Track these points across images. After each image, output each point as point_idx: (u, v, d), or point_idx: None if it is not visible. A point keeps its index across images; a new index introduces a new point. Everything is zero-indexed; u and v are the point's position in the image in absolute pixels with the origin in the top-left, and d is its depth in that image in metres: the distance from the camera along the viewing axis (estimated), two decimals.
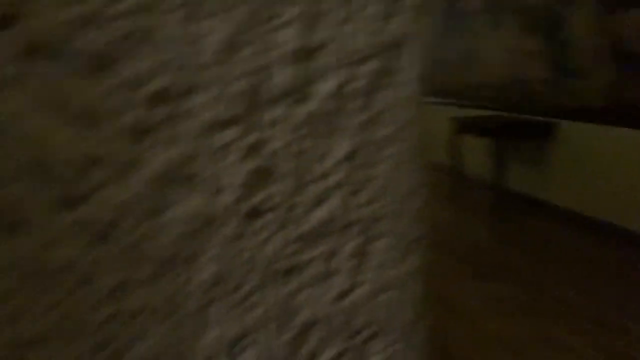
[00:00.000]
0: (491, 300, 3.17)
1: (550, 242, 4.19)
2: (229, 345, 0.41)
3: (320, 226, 0.42)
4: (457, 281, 3.50)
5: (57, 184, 0.35)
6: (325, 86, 0.41)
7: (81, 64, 0.35)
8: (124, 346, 0.38)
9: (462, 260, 3.89)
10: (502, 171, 4.76)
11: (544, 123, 4.84)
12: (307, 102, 0.40)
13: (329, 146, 0.41)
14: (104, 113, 0.36)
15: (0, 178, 0.34)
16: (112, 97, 0.36)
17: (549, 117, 4.83)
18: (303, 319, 0.43)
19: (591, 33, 4.30)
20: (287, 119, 0.40)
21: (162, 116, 0.37)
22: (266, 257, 0.41)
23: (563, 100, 4.67)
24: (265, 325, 0.42)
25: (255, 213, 0.40)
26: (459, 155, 5.47)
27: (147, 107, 0.36)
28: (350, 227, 0.43)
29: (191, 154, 0.38)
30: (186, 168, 0.38)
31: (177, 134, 0.37)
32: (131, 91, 0.36)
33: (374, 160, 0.43)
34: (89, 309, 0.37)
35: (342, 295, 0.44)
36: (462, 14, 6.15)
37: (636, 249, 3.93)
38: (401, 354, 0.47)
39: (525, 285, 3.35)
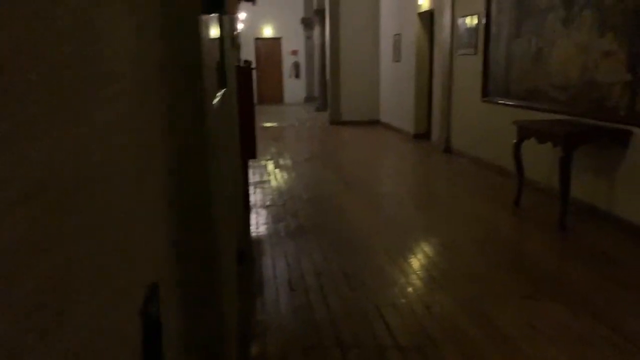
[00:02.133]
0: (541, 325, 2.97)
1: (617, 260, 3.89)
2: None
3: None
4: (507, 300, 3.32)
5: None
6: None
7: None
8: None
9: (516, 275, 3.69)
10: (568, 180, 4.46)
11: (617, 130, 4.48)
12: None
13: None
14: None
15: None
16: None
17: (624, 124, 4.46)
18: None
19: None
20: None
21: None
22: None
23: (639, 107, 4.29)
24: None
25: None
26: (522, 161, 5.18)
27: None
28: None
29: None
30: None
31: None
32: None
33: None
34: None
35: None
36: (536, 11, 5.80)
37: None
38: None
39: (582, 310, 3.12)
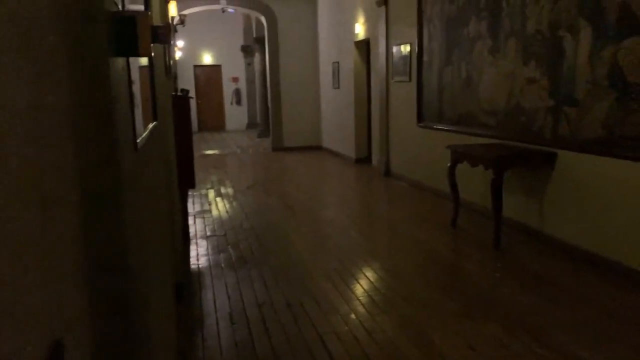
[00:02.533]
0: (479, 345, 3.04)
1: (549, 278, 4.05)
2: None
3: None
4: (446, 321, 3.38)
5: None
6: None
7: None
8: None
9: (454, 296, 3.77)
10: (500, 201, 4.64)
11: (543, 152, 4.72)
12: None
13: None
14: None
15: None
16: None
17: (549, 146, 4.71)
18: None
19: (591, 62, 4.20)
20: None
21: None
22: None
23: (563, 130, 4.55)
24: None
25: None
26: (457, 184, 5.36)
27: None
28: None
29: None
30: None
31: None
32: None
33: None
34: None
35: None
36: (465, 40, 6.09)
37: (637, 288, 3.76)
38: None
39: (518, 329, 3.22)
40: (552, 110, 4.67)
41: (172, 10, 6.67)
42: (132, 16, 0.87)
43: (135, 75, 2.08)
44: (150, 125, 2.16)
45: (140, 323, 1.07)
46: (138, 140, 1.44)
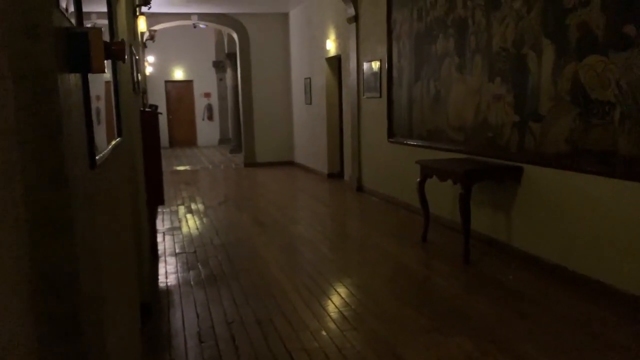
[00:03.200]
0: (447, 359, 3.05)
1: (516, 291, 4.10)
2: None
3: None
4: (416, 336, 3.38)
5: None
6: None
7: None
8: None
9: (424, 311, 3.78)
10: (469, 215, 4.69)
11: (510, 167, 4.81)
12: None
13: None
14: None
15: None
16: None
17: (515, 161, 4.81)
18: None
19: (554, 78, 4.31)
20: None
21: None
22: None
23: (528, 145, 4.65)
24: None
25: None
26: (427, 199, 5.41)
27: None
28: None
29: None
30: None
31: None
32: None
33: None
34: None
35: None
36: (433, 57, 6.20)
37: (604, 301, 3.84)
38: None
39: (487, 342, 3.24)
40: (518, 125, 4.78)
41: (142, 25, 6.62)
42: (84, 32, 0.86)
43: (99, 90, 2.05)
44: (114, 142, 2.13)
45: (95, 346, 1.04)
46: (98, 157, 1.41)
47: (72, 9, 1.07)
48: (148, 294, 4.09)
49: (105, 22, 2.30)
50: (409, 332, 3.45)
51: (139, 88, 5.03)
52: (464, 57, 5.58)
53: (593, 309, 3.69)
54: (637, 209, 3.63)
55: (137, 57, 4.81)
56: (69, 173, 0.77)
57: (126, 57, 3.63)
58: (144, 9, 6.57)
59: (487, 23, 5.15)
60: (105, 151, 1.65)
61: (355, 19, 8.32)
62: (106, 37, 2.28)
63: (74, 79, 0.91)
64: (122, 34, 3.57)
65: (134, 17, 5.10)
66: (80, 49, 0.84)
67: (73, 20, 0.97)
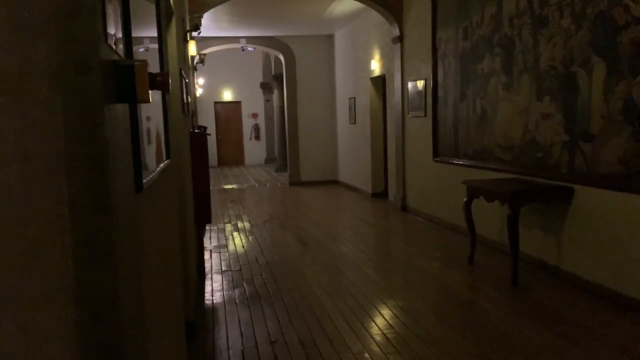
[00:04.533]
0: None
1: (566, 316, 3.94)
2: None
3: None
4: (458, 359, 3.30)
5: None
6: None
7: None
8: None
9: (470, 336, 3.68)
10: (517, 237, 4.57)
11: (560, 187, 4.66)
12: None
13: None
14: None
15: None
16: None
17: (565, 181, 4.66)
18: None
19: (605, 97, 4.18)
20: None
21: None
22: None
23: (579, 165, 4.50)
24: None
25: None
26: (473, 220, 5.31)
27: None
28: None
29: None
30: None
31: None
32: None
33: None
34: None
35: None
36: (479, 75, 6.13)
37: None
38: None
39: None
40: (568, 145, 4.64)
41: (192, 49, 6.86)
42: (131, 65, 0.91)
43: (152, 114, 2.14)
44: (162, 164, 2.21)
45: None
46: (145, 180, 1.48)
47: (121, 41, 1.14)
48: (194, 312, 4.17)
49: (154, 46, 2.41)
50: (453, 357, 3.37)
51: (189, 110, 5.20)
52: (511, 76, 5.49)
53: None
54: None
55: (187, 81, 4.99)
56: (114, 200, 0.81)
57: (177, 80, 3.78)
58: (194, 33, 6.82)
59: (535, 41, 5.06)
60: (153, 174, 1.72)
61: (400, 39, 8.34)
62: (156, 62, 2.39)
63: (120, 108, 0.97)
64: (172, 58, 3.72)
65: (184, 42, 5.30)
66: (126, 80, 0.89)
67: (121, 52, 1.03)
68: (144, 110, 1.90)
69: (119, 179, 0.89)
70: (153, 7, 2.26)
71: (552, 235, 4.89)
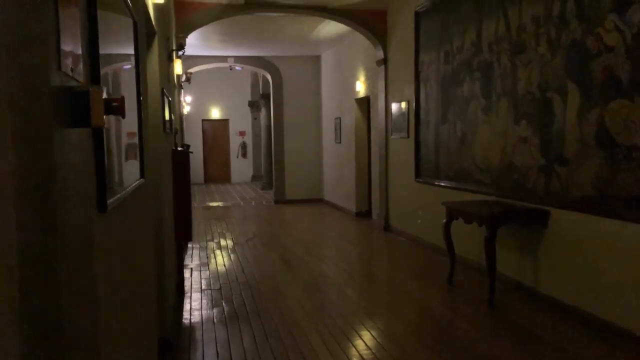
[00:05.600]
0: None
1: (541, 337, 3.98)
2: None
3: None
4: None
5: None
6: None
7: None
8: None
9: (443, 355, 3.70)
10: (494, 258, 4.62)
11: (536, 210, 4.74)
12: None
13: None
14: None
15: None
16: None
17: (541, 204, 4.74)
18: None
19: (579, 122, 4.28)
20: None
21: None
22: None
23: (554, 188, 4.59)
24: None
25: None
26: (453, 240, 5.36)
27: None
28: None
29: None
30: None
31: None
32: None
33: None
34: None
35: None
36: (460, 99, 6.24)
37: (633, 350, 3.69)
38: None
39: None
40: (544, 168, 4.73)
41: (178, 68, 6.92)
42: (85, 91, 0.95)
43: (122, 136, 2.17)
44: (136, 183, 2.23)
45: None
46: (111, 200, 1.50)
47: (82, 62, 1.18)
48: (170, 329, 4.15)
49: (127, 66, 2.45)
50: None
51: (172, 128, 5.23)
52: (490, 100, 5.60)
53: (620, 358, 3.55)
54: None
55: (170, 99, 5.03)
56: (62, 221, 0.84)
57: (158, 99, 3.82)
58: (180, 52, 6.88)
59: (513, 67, 5.18)
60: (122, 194, 1.74)
61: (384, 61, 8.47)
62: (132, 82, 2.42)
63: (78, 132, 1.00)
64: (154, 77, 3.76)
65: (168, 61, 5.35)
66: (81, 106, 0.92)
67: (82, 75, 1.07)
68: (117, 131, 1.94)
69: (74, 200, 0.92)
70: (130, 28, 2.31)
71: (528, 257, 4.95)
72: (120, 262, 1.70)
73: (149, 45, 3.69)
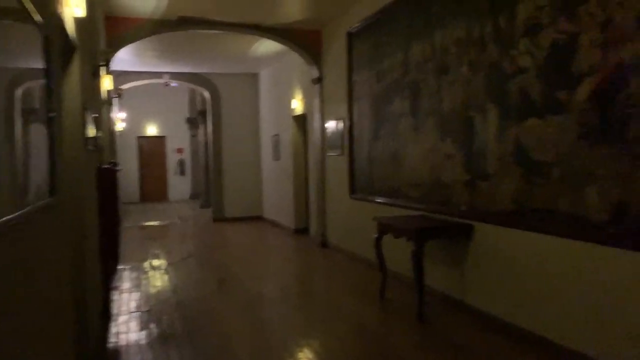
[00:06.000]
0: None
1: (469, 350, 4.10)
2: None
3: None
4: None
5: None
6: None
7: None
8: None
9: None
10: (421, 272, 4.73)
11: (461, 224, 4.91)
12: None
13: None
14: None
15: None
16: None
17: (466, 219, 4.91)
18: None
19: (499, 140, 4.49)
20: None
21: None
22: None
23: (478, 203, 4.77)
24: None
25: None
26: (384, 256, 5.46)
27: None
28: None
29: None
30: None
31: None
32: None
33: None
34: None
35: None
36: (391, 117, 6.40)
37: (549, 358, 3.86)
38: None
39: None
40: (468, 184, 4.92)
41: (107, 84, 6.72)
42: None
43: (30, 154, 2.08)
44: (41, 203, 2.14)
45: None
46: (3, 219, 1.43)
47: None
48: (93, 355, 3.96)
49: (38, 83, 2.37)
50: None
51: (97, 146, 5.06)
52: (419, 118, 5.78)
53: None
54: (573, 266, 3.72)
55: (95, 116, 4.87)
56: None
57: (79, 116, 3.69)
58: (105, 68, 6.70)
59: (438, 86, 5.39)
60: (16, 215, 1.66)
61: (319, 79, 8.59)
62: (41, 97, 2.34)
63: None
64: (73, 93, 3.64)
65: (93, 77, 5.19)
66: None
67: None
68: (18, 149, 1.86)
69: None
70: (39, 41, 2.23)
71: (456, 271, 5.11)
72: (18, 287, 1.62)
73: (68, 60, 3.57)
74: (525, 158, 4.19)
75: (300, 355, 4.13)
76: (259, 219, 12.83)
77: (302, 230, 10.23)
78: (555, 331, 3.90)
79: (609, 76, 3.41)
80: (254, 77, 12.96)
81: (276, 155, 11.48)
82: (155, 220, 13.37)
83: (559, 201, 3.86)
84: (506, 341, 4.21)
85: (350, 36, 7.47)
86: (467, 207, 4.93)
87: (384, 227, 5.36)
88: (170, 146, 19.21)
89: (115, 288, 6.31)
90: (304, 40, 8.54)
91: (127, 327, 4.92)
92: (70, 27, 3.32)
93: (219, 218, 12.71)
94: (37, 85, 2.23)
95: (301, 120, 10.17)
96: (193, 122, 18.39)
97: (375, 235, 5.48)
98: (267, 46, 9.67)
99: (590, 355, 3.58)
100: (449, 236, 5.02)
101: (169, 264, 7.83)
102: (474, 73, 4.81)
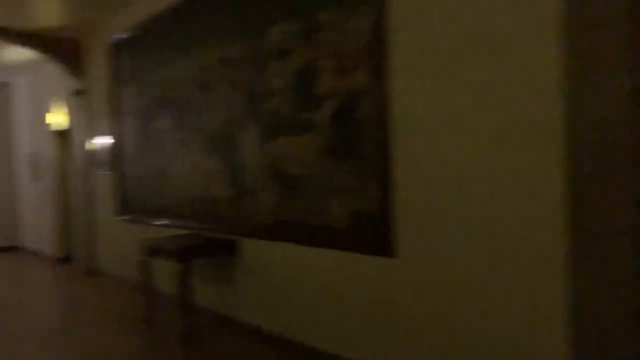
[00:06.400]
0: None
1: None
2: None
3: None
4: None
5: None
6: None
7: None
8: None
9: None
10: (188, 292, 4.64)
11: (226, 241, 4.96)
12: None
13: None
14: None
15: None
16: None
17: (232, 234, 4.98)
18: None
19: (258, 156, 4.66)
20: None
21: None
22: None
23: (243, 218, 4.87)
24: None
25: None
26: (149, 277, 5.22)
27: None
28: None
29: None
30: None
31: None
32: None
33: None
34: None
35: None
36: (157, 134, 6.19)
37: None
38: None
39: None
40: (234, 199, 4.99)
41: None
42: None
43: None
44: None
45: None
46: None
47: None
48: None
49: None
50: None
51: None
52: (185, 135, 5.70)
53: None
54: (324, 273, 4.04)
55: None
56: None
57: None
58: None
59: (202, 103, 5.39)
60: None
61: (82, 92, 7.92)
62: None
63: None
64: None
65: None
66: None
67: None
68: None
69: None
70: None
71: (227, 288, 5.13)
72: None
73: None
74: (280, 174, 4.42)
75: None
76: (15, 249, 11.23)
77: (67, 259, 9.24)
78: (311, 335, 4.16)
79: (344, 100, 3.80)
80: (3, 87, 11.36)
81: (36, 175, 10.21)
82: None
83: (309, 213, 4.16)
84: (272, 350, 4.34)
85: (113, 49, 7.06)
86: (233, 223, 5.00)
87: (152, 250, 5.12)
88: None
89: None
90: (62, 49, 7.79)
91: None
92: None
93: None
94: None
95: (65, 136, 9.23)
96: None
97: (141, 258, 5.21)
98: (19, 52, 8.58)
99: (345, 356, 3.90)
100: (216, 253, 5.01)
101: None
102: (234, 92, 4.93)
